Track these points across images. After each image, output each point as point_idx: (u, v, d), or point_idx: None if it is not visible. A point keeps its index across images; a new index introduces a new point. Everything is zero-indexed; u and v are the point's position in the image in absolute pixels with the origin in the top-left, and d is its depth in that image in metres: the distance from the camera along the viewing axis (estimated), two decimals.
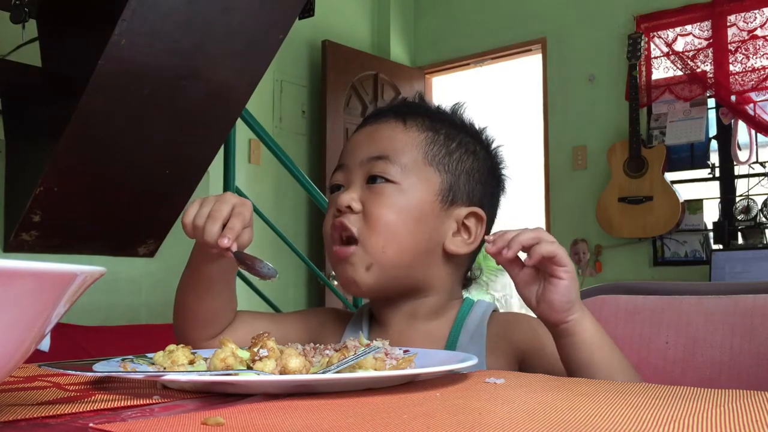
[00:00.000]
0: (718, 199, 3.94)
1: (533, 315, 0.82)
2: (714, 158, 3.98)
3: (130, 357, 0.69)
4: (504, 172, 1.00)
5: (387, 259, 0.88)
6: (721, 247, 3.81)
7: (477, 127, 0.99)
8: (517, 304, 9.34)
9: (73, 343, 2.60)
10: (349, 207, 0.88)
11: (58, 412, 0.49)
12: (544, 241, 0.74)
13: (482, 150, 0.97)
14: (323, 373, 0.61)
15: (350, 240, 0.89)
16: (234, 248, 0.81)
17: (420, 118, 0.94)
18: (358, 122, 1.06)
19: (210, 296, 0.91)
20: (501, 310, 0.95)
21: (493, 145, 1.00)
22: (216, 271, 0.88)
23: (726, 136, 3.91)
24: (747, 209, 3.76)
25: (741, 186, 3.92)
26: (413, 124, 0.93)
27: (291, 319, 1.02)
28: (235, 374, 0.59)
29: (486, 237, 0.78)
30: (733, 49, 3.83)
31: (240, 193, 3.16)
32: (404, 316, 0.92)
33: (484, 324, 0.91)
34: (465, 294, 0.99)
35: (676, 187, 3.89)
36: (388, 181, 0.89)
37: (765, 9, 3.77)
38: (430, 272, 0.92)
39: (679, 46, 4.00)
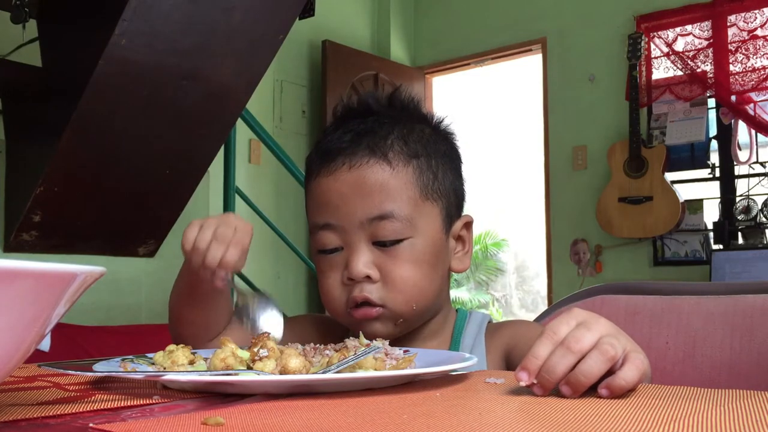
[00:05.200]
0: (718, 199, 3.94)
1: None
2: (714, 158, 3.98)
3: (130, 357, 0.69)
4: (454, 140, 0.93)
5: (417, 312, 0.85)
6: (721, 247, 3.81)
7: (418, 106, 0.92)
8: (517, 304, 9.33)
9: (73, 343, 2.60)
10: (367, 277, 0.83)
11: (58, 412, 0.49)
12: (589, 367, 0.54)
13: (437, 133, 0.91)
14: (323, 373, 0.61)
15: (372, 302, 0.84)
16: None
17: (390, 139, 0.85)
18: None
19: (205, 308, 0.90)
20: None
21: (437, 120, 0.92)
22: (210, 287, 0.85)
23: (726, 136, 3.91)
24: (747, 209, 3.76)
25: (741, 186, 3.92)
26: (394, 157, 0.84)
27: None
28: (235, 374, 0.59)
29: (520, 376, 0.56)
30: (733, 49, 3.83)
31: (240, 194, 3.18)
32: (403, 340, 0.89)
33: (482, 338, 0.90)
34: (456, 305, 0.97)
35: (676, 187, 3.89)
36: (399, 240, 0.83)
37: (765, 9, 3.77)
38: (442, 297, 0.91)
39: (679, 46, 4.00)
